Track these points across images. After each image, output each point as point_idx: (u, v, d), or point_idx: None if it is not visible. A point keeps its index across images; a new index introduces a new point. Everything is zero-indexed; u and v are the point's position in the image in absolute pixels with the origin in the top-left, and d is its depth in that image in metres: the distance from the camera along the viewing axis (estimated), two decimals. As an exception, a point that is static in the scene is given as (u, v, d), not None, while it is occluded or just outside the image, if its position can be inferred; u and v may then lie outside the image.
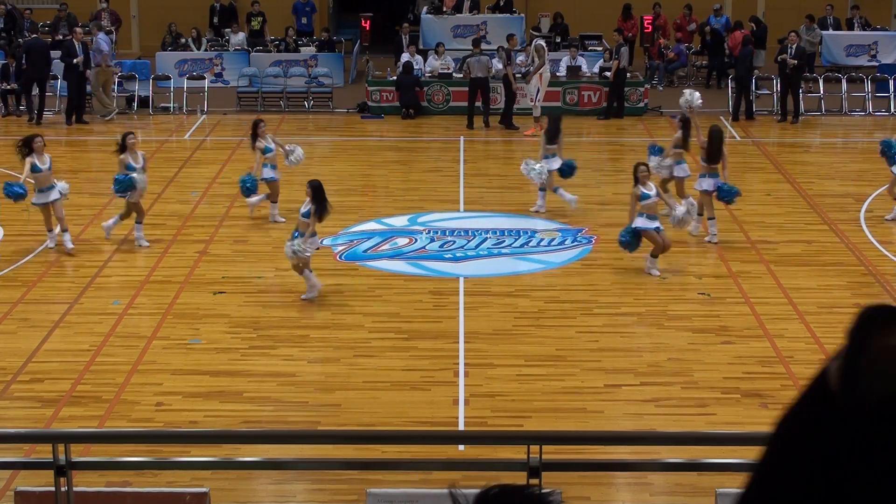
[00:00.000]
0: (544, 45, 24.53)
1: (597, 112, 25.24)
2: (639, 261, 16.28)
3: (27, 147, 15.91)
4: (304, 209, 14.46)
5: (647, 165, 15.61)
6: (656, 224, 15.21)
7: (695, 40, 29.19)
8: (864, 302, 13.83)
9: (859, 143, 24.33)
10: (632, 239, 15.17)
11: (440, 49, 26.23)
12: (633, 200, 15.20)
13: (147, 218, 17.51)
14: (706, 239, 16.64)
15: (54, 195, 16.18)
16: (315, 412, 11.90)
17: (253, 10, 29.29)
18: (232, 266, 16.06)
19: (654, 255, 15.36)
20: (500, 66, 25.75)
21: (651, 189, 15.15)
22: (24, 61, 24.70)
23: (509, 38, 25.25)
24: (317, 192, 14.32)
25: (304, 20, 30.13)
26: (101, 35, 25.39)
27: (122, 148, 16.44)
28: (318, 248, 14.86)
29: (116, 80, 26.02)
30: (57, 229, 16.34)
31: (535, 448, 5.91)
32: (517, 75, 24.60)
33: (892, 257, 16.32)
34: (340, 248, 16.61)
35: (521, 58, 25.32)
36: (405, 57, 25.66)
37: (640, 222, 15.13)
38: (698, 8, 29.12)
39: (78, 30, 25.48)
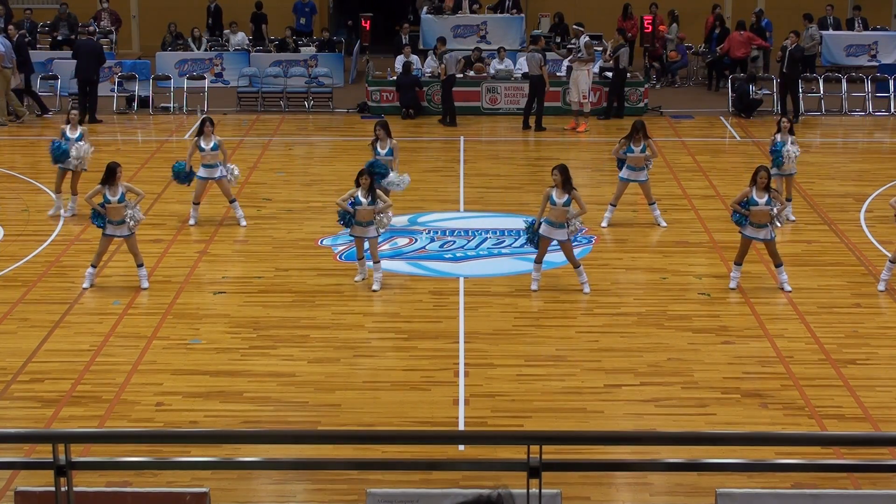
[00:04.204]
0: (591, 41, 24.66)
1: (597, 112, 25.24)
2: (639, 260, 16.29)
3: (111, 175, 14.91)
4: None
5: (768, 170, 15.21)
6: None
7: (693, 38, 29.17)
8: (863, 302, 13.80)
9: (859, 143, 24.33)
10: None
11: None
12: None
13: (147, 218, 17.51)
14: None
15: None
16: (315, 412, 11.91)
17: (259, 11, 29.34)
18: (232, 266, 16.07)
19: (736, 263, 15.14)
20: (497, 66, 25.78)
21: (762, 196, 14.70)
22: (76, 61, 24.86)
23: (536, 39, 25.20)
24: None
25: (302, 20, 30.11)
26: None
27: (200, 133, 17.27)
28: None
29: (117, 80, 26.02)
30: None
31: (535, 448, 5.91)
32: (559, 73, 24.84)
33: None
34: (341, 248, 16.61)
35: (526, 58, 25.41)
36: (400, 59, 25.68)
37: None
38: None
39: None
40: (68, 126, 17.81)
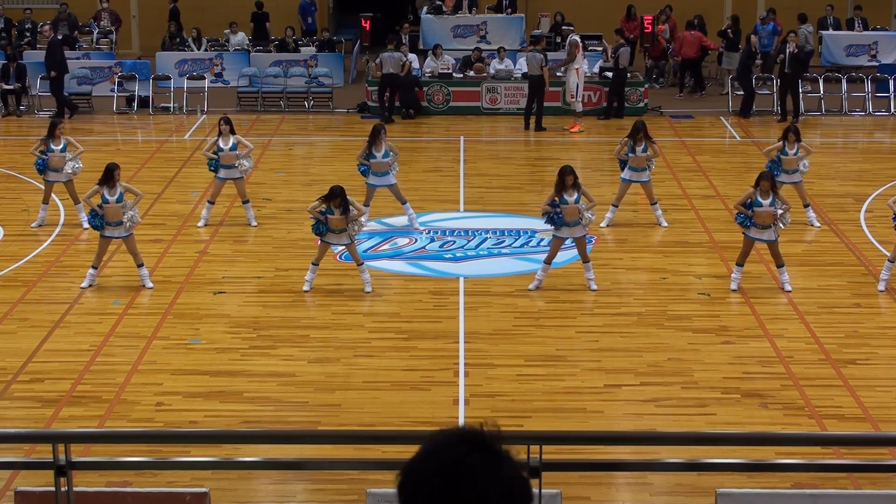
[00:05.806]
0: (578, 39, 24.56)
1: (597, 112, 25.25)
2: (639, 260, 16.29)
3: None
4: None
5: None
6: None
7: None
8: (863, 302, 13.77)
9: (859, 143, 24.33)
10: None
11: (438, 51, 26.25)
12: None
13: (147, 218, 17.53)
14: None
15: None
16: (315, 412, 11.91)
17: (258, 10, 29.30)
18: (232, 266, 16.07)
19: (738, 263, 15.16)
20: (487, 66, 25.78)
21: (767, 198, 14.67)
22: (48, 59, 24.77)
23: (538, 39, 25.15)
24: None
25: (309, 20, 30.09)
26: None
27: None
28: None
29: (117, 80, 26.03)
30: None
31: (535, 448, 5.91)
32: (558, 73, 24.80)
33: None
34: (340, 248, 16.59)
35: (520, 61, 25.43)
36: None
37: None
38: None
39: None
40: (51, 137, 17.18)
